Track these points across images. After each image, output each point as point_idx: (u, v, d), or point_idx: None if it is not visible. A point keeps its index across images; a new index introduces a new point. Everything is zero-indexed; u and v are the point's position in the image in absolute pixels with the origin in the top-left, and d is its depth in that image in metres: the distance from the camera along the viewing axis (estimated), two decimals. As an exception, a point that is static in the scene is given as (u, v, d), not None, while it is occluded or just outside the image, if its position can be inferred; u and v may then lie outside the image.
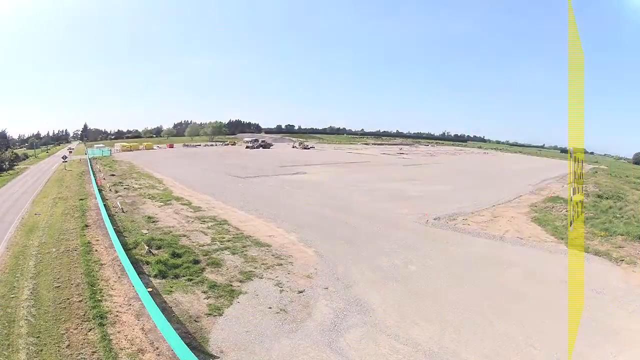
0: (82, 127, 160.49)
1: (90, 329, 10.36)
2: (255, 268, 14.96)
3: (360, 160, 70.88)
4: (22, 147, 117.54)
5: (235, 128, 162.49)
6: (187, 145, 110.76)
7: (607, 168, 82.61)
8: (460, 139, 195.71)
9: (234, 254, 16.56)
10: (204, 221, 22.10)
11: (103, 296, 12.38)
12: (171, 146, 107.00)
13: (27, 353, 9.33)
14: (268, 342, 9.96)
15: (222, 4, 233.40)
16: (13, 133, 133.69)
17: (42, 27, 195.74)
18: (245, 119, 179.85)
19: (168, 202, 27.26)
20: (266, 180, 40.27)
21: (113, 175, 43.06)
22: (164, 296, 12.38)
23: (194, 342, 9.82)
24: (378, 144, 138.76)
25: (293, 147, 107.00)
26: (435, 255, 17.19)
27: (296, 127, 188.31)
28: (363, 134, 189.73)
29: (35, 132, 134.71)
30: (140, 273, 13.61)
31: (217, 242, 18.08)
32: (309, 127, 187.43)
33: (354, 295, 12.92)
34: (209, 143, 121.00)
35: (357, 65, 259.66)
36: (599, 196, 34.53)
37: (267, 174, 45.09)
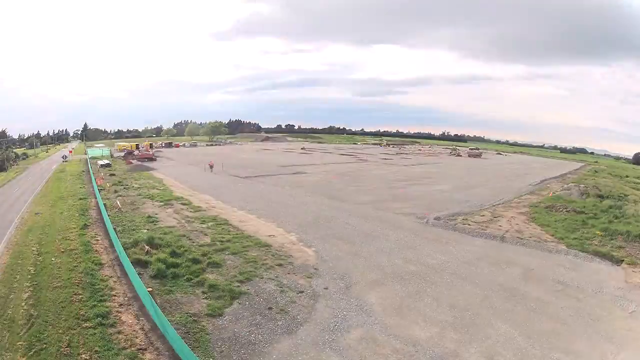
0: (82, 126, 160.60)
1: (90, 329, 10.36)
2: (256, 268, 14.96)
3: (361, 159, 70.83)
4: (22, 147, 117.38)
5: (235, 128, 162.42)
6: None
7: (606, 168, 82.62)
8: (460, 139, 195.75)
9: (234, 254, 16.56)
10: (204, 221, 22.10)
11: (103, 296, 12.39)
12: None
13: (27, 353, 9.33)
14: (268, 343, 9.96)
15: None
16: (13, 132, 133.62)
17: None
18: (245, 118, 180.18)
19: (168, 202, 27.25)
20: (266, 180, 40.27)
21: (113, 174, 43.05)
22: (163, 296, 12.38)
23: (194, 343, 9.82)
24: (378, 144, 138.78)
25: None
26: (435, 255, 17.19)
27: (296, 127, 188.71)
28: (363, 134, 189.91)
29: (35, 132, 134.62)
30: (140, 273, 13.60)
31: (217, 242, 18.07)
32: (309, 127, 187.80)
33: (354, 295, 12.92)
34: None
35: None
36: (599, 196, 34.51)
37: (267, 174, 45.08)
